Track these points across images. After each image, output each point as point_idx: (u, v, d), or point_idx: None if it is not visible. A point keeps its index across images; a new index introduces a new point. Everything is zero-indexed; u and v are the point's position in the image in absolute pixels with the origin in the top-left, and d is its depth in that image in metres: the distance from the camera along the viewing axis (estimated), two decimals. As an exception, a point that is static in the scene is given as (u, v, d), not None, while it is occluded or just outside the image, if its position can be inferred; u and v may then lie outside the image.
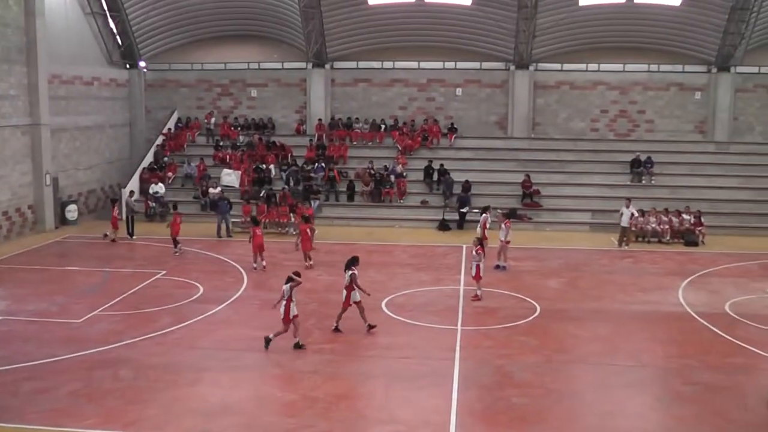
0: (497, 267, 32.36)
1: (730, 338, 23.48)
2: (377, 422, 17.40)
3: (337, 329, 23.87)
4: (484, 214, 35.01)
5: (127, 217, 39.69)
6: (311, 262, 32.17)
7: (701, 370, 20.78)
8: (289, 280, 22.50)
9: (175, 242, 35.84)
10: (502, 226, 33.44)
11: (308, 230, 33.07)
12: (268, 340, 22.28)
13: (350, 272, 23.83)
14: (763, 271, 32.70)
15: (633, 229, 38.71)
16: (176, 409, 17.84)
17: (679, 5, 46.56)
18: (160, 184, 45.39)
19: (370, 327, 23.82)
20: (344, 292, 23.91)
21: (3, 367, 20.52)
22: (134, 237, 39.06)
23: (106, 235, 38.93)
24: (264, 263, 31.75)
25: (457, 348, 22.42)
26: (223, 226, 39.69)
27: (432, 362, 21.20)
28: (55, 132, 42.16)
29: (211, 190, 44.84)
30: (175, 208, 38.84)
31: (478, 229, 33.97)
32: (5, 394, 18.64)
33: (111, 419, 17.25)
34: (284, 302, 22.24)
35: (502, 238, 32.99)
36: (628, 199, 38.61)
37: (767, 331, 24.32)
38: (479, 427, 17.22)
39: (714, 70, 49.19)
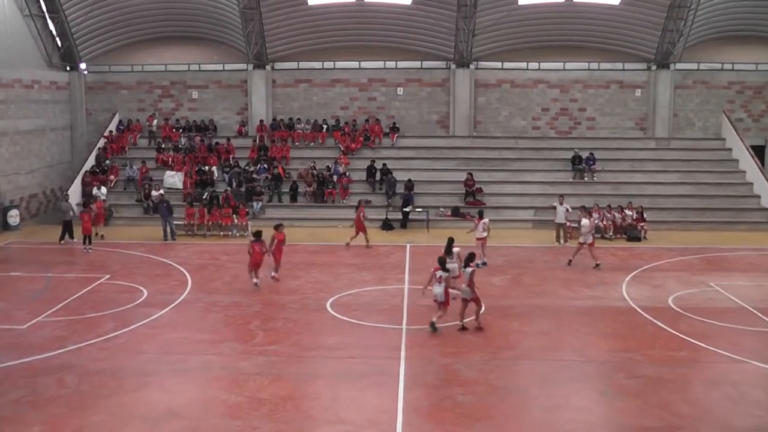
0: (484, 264, 32.44)
1: (673, 332, 23.85)
2: (324, 423, 17.40)
3: (464, 327, 24.12)
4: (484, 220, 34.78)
5: (64, 222, 39.30)
6: (277, 275, 30.47)
7: (645, 364, 21.06)
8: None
9: (86, 239, 36.90)
10: (477, 223, 33.83)
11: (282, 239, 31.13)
12: (433, 325, 23.63)
13: (470, 269, 24.01)
14: (704, 265, 33.25)
15: (575, 225, 39.12)
16: (122, 415, 17.70)
17: (618, 4, 47.22)
18: (103, 188, 44.95)
19: (479, 327, 24.16)
20: (467, 289, 24.02)
21: (-55, 375, 20.24)
22: (62, 241, 38.78)
23: (102, 236, 39.25)
24: (256, 280, 29.68)
25: (403, 347, 22.50)
26: (168, 230, 39.45)
27: (378, 361, 21.28)
28: (-6, 136, 41.62)
29: (153, 192, 44.55)
30: (85, 206, 39.78)
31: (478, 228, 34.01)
32: (-53, 403, 18.39)
33: (56, 427, 17.09)
34: (443, 285, 23.64)
35: (479, 236, 33.38)
36: (561, 196, 39.05)
37: (710, 324, 24.73)
38: (426, 426, 17.29)
39: (653, 67, 49.90)
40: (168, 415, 17.63)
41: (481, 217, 34.54)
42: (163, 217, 39.59)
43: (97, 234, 38.75)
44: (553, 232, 38.76)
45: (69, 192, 43.87)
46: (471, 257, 24.55)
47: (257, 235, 30.08)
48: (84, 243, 36.90)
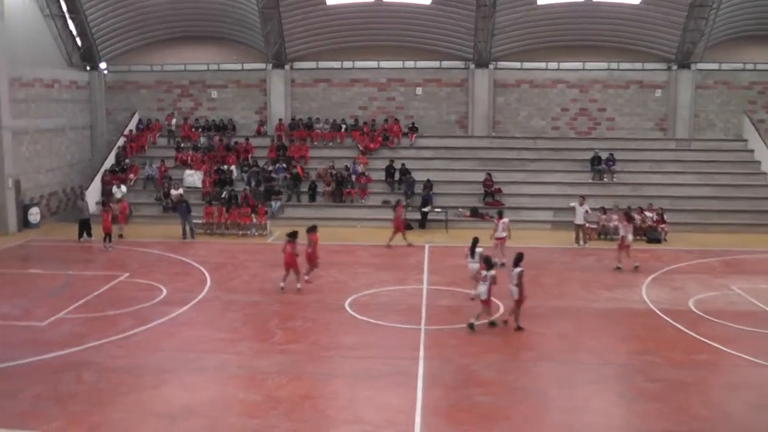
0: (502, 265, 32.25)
1: (694, 335, 23.64)
2: (342, 422, 17.36)
3: (519, 328, 24.05)
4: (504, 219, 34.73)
5: (80, 221, 39.41)
6: (310, 278, 30.19)
7: (665, 367, 20.90)
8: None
9: (107, 237, 36.87)
10: (497, 223, 33.90)
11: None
12: (471, 325, 23.82)
13: (519, 269, 23.97)
14: (725, 268, 33.03)
15: (594, 227, 39.05)
16: (140, 412, 17.74)
17: (638, 3, 46.96)
18: (122, 186, 45.13)
19: (504, 323, 24.35)
20: (515, 289, 23.98)
21: (-34, 371, 20.35)
22: (81, 240, 38.86)
23: (121, 236, 39.07)
24: (282, 284, 29.14)
25: (421, 347, 22.44)
26: (187, 229, 39.53)
27: (396, 362, 21.21)
28: (15, 135, 41.81)
29: (172, 191, 44.70)
30: (104, 204, 39.33)
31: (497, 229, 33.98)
32: (-32, 399, 18.49)
33: (75, 423, 17.13)
34: (488, 284, 23.70)
35: (498, 236, 33.36)
36: (582, 197, 38.86)
37: (731, 327, 24.50)
38: (444, 426, 17.23)
39: (674, 67, 49.66)
40: (186, 413, 17.65)
41: (500, 217, 34.49)
42: (182, 216, 39.66)
43: (119, 234, 38.81)
44: (572, 233, 38.57)
45: (88, 191, 44.14)
46: (520, 257, 24.43)
47: (292, 235, 29.23)
48: (104, 241, 36.96)
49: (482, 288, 23.99)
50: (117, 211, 39.35)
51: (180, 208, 40.02)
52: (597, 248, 37.37)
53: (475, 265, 26.79)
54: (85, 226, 39.07)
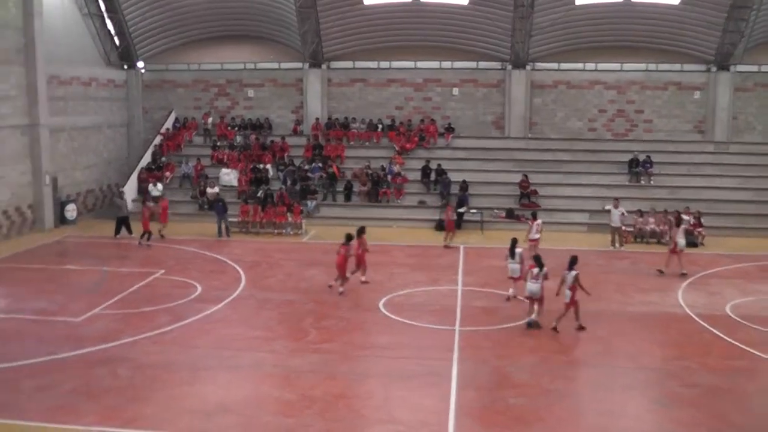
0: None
1: (730, 340, 23.37)
2: (375, 422, 17.39)
3: (555, 329, 24.07)
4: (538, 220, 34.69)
5: (118, 218, 39.55)
6: (365, 278, 29.90)
7: (701, 373, 20.69)
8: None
9: (144, 234, 36.89)
10: (531, 225, 33.87)
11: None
12: (530, 323, 24.10)
13: (574, 272, 24.04)
14: (763, 273, 32.62)
15: (630, 229, 38.76)
16: (174, 408, 17.88)
17: (677, 3, 46.50)
18: (159, 184, 45.39)
19: (581, 327, 24.17)
20: (568, 293, 24.02)
21: (4, 364, 20.54)
22: (118, 237, 39.01)
23: (162, 236, 38.77)
24: (342, 289, 28.56)
25: (455, 348, 22.40)
26: (223, 227, 39.66)
27: (430, 362, 21.18)
28: (53, 132, 42.19)
29: (208, 189, 44.90)
30: (144, 202, 39.78)
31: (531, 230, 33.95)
32: (6, 391, 18.70)
33: (110, 417, 17.28)
34: (539, 282, 24.21)
35: (532, 237, 33.29)
36: (617, 200, 38.58)
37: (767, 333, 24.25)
38: (477, 428, 17.20)
39: (713, 69, 49.18)
40: (220, 410, 17.72)
41: (534, 218, 34.38)
42: (218, 215, 39.79)
43: (160, 233, 38.73)
44: (608, 235, 38.32)
45: (125, 188, 44.40)
46: (575, 260, 24.47)
47: (349, 237, 29.11)
48: (141, 237, 37.10)
49: (535, 287, 24.17)
50: (158, 209, 39.36)
51: (216, 207, 40.15)
52: (633, 251, 37.11)
53: (515, 266, 26.96)
54: (123, 224, 39.21)
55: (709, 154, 48.19)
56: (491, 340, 23.25)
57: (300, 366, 20.82)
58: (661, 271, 32.03)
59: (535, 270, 24.21)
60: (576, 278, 23.94)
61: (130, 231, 38.99)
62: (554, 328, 23.94)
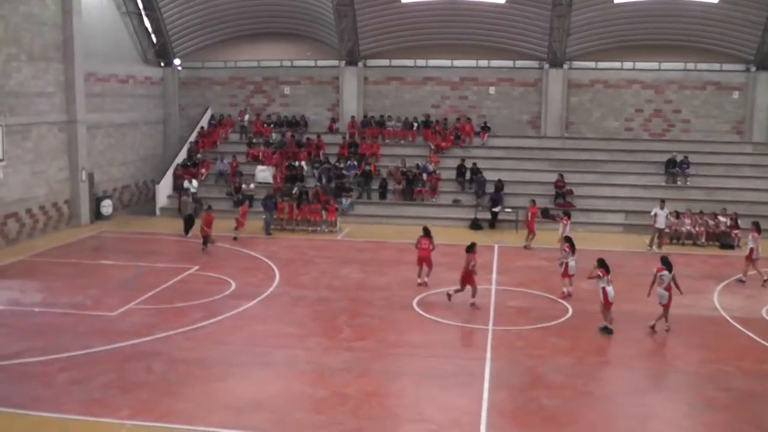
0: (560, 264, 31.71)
1: (766, 344, 23.16)
2: (407, 420, 17.38)
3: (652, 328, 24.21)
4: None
5: (185, 216, 39.63)
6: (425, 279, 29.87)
7: (736, 376, 20.52)
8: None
9: (205, 241, 35.57)
10: (562, 223, 33.87)
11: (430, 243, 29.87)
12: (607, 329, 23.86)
13: (672, 273, 24.12)
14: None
15: (667, 231, 38.44)
16: (207, 403, 17.97)
17: (717, 2, 46.03)
18: (194, 181, 45.59)
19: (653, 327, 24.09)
20: (664, 293, 24.05)
21: (39, 357, 20.75)
22: (189, 235, 38.74)
23: (235, 238, 38.14)
24: (426, 279, 29.44)
25: (488, 348, 22.36)
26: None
27: (463, 362, 21.19)
28: (90, 129, 42.54)
29: (244, 186, 45.07)
30: (209, 207, 38.32)
31: (563, 229, 33.86)
32: (41, 385, 18.85)
33: (143, 411, 17.40)
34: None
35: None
36: (663, 201, 38.25)
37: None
38: (510, 428, 17.17)
39: (753, 68, 48.60)
40: (253, 406, 17.79)
41: (568, 217, 34.23)
42: (268, 211, 39.91)
43: (234, 236, 38.35)
44: (645, 237, 37.99)
45: (160, 185, 44.85)
46: (667, 261, 24.40)
47: (427, 231, 29.84)
48: (204, 245, 35.65)
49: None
50: (238, 214, 39.05)
51: (268, 203, 40.14)
52: (668, 252, 36.62)
53: (574, 263, 27.47)
54: (190, 222, 39.14)
55: (747, 155, 47.64)
56: (525, 340, 23.17)
57: (333, 363, 20.85)
58: (741, 281, 31.05)
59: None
60: (673, 278, 23.85)
61: (187, 231, 38.99)
62: (667, 329, 23.95)
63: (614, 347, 22.99)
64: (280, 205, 41.08)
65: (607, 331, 23.65)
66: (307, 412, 17.64)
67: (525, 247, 37.09)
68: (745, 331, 24.41)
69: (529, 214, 37.91)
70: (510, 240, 38.96)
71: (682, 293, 24.47)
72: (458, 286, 27.06)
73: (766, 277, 30.53)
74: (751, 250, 31.04)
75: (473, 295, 26.93)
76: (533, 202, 38.78)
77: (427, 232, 29.79)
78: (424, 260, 29.41)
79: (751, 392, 19.40)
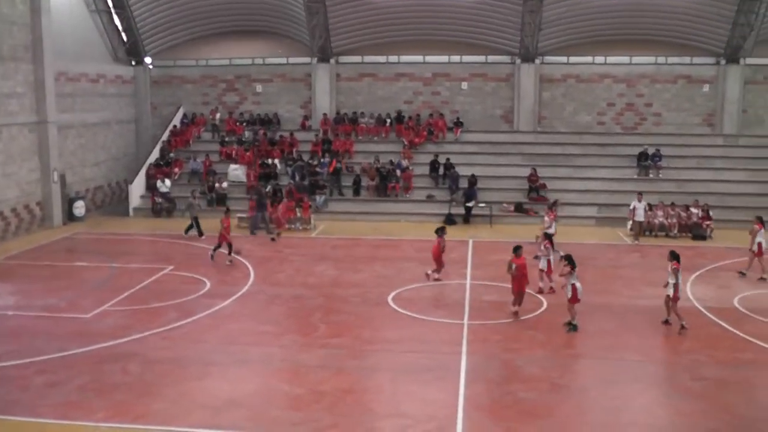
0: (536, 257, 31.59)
1: (738, 333, 23.35)
2: (384, 416, 17.40)
3: (667, 322, 24.03)
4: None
5: (193, 219, 38.77)
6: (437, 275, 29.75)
7: (709, 366, 20.68)
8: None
9: (230, 248, 32.70)
10: (546, 218, 33.76)
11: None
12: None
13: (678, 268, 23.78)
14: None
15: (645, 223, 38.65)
16: (184, 403, 17.90)
17: (687, -4, 46.46)
18: (167, 180, 45.41)
19: (683, 327, 23.51)
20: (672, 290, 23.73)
21: (14, 361, 20.57)
22: (203, 236, 37.96)
23: (274, 238, 37.78)
24: (437, 275, 29.50)
25: (464, 342, 22.39)
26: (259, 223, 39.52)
27: (439, 356, 21.19)
28: (61, 129, 42.25)
29: (217, 185, 44.96)
30: (227, 211, 35.04)
31: (550, 224, 33.70)
32: (17, 388, 18.72)
33: (120, 413, 17.31)
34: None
35: (546, 229, 33.06)
36: (640, 194, 38.52)
37: (776, 325, 24.18)
38: (486, 421, 17.19)
39: (723, 62, 49.07)
40: (230, 405, 17.74)
41: (552, 210, 34.20)
42: (259, 209, 39.69)
43: (272, 237, 37.94)
44: (617, 229, 38.19)
45: (132, 185, 44.73)
46: (676, 256, 23.99)
47: (441, 230, 29.90)
48: (228, 253, 32.70)
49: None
50: (278, 212, 38.73)
51: (261, 202, 39.91)
52: (642, 245, 37.04)
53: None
54: (197, 224, 38.40)
55: (718, 147, 48.17)
56: (500, 334, 23.24)
57: (309, 361, 20.84)
58: (763, 279, 30.42)
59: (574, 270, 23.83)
60: (677, 273, 23.63)
61: (188, 231, 38.51)
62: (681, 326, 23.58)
63: (589, 339, 23.08)
64: (253, 204, 40.86)
65: (572, 327, 23.65)
66: (284, 410, 17.62)
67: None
68: (717, 321, 24.59)
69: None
70: (484, 235, 39.06)
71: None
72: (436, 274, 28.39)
73: (764, 275, 30.44)
74: (759, 244, 30.42)
75: (436, 270, 29.28)
76: (555, 201, 38.52)
77: (442, 231, 29.77)
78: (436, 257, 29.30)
79: (725, 381, 19.57)
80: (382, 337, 23.23)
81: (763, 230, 30.45)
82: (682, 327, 23.29)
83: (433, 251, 29.35)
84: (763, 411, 17.91)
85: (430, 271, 29.27)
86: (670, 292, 23.46)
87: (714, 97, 49.43)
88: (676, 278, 23.39)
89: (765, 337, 22.90)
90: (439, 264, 29.40)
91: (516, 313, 24.87)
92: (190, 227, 38.49)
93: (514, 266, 25.03)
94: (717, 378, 19.76)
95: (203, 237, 37.85)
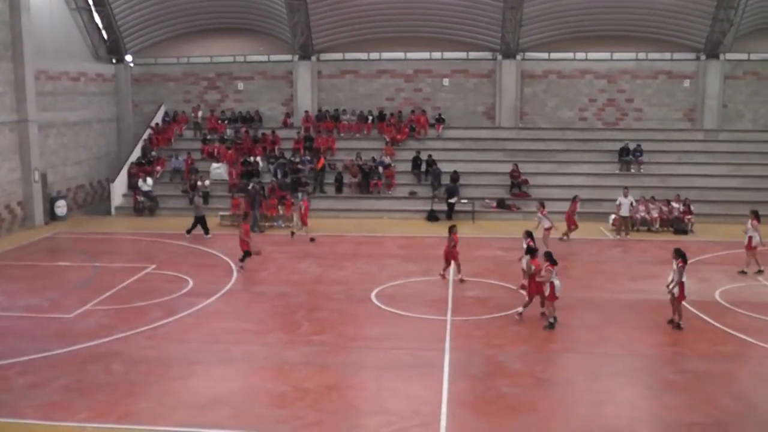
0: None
1: (720, 326, 23.46)
2: (368, 413, 17.36)
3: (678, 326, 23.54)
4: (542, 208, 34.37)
5: (197, 218, 38.23)
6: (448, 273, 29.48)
7: (691, 359, 20.79)
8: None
9: (245, 255, 31.04)
10: (539, 215, 33.72)
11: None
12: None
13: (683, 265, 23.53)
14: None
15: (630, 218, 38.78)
16: (168, 402, 17.83)
17: (667, -8, 46.60)
18: (149, 179, 45.25)
19: (679, 326, 23.36)
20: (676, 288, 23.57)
21: (-5, 362, 20.51)
22: (209, 235, 37.73)
23: (313, 238, 36.97)
24: (461, 276, 28.88)
25: (447, 338, 22.41)
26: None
27: (422, 353, 21.18)
28: (42, 128, 42.06)
29: (199, 183, 44.84)
30: (245, 216, 34.65)
31: (544, 221, 33.66)
32: (-1, 389, 18.66)
33: (103, 413, 17.23)
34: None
35: (546, 227, 33.11)
36: (626, 189, 38.68)
37: (757, 319, 24.35)
38: (470, 417, 17.20)
39: (703, 57, 49.28)
40: (213, 403, 17.70)
41: (543, 207, 34.07)
42: (253, 207, 39.58)
43: (298, 233, 37.30)
44: (600, 224, 38.28)
45: (114, 183, 44.52)
46: (682, 254, 23.67)
47: (453, 228, 28.97)
48: (240, 260, 31.04)
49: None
50: (301, 210, 37.59)
51: (256, 198, 39.88)
52: (623, 239, 37.17)
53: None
54: (202, 223, 38.01)
55: (698, 142, 48.45)
56: (483, 330, 23.24)
57: (292, 358, 20.80)
58: (761, 271, 30.50)
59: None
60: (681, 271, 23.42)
61: (207, 231, 37.91)
62: (678, 325, 23.49)
63: (572, 334, 23.12)
64: (235, 201, 40.71)
65: (550, 325, 23.57)
66: (268, 407, 17.58)
67: (561, 239, 36.43)
68: (699, 314, 24.67)
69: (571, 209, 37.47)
70: (467, 231, 39.04)
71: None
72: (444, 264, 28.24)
73: (761, 267, 30.48)
74: (750, 238, 30.53)
75: (458, 272, 28.33)
76: (576, 197, 38.47)
77: (453, 229, 28.93)
78: (452, 256, 28.74)
79: (708, 374, 19.63)
80: (366, 333, 23.19)
81: (757, 224, 30.59)
82: (678, 326, 23.29)
83: (451, 253, 28.57)
84: (744, 403, 17.93)
85: (461, 276, 28.70)
86: (676, 291, 23.36)
87: (694, 92, 49.63)
88: (681, 277, 23.25)
89: (746, 330, 23.06)
90: (458, 262, 28.77)
91: (520, 314, 24.42)
92: (205, 228, 38.04)
93: (533, 268, 24.58)
94: (699, 371, 19.82)
95: (209, 236, 37.65)
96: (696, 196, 41.81)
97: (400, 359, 20.71)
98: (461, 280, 28.49)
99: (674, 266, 23.47)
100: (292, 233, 37.87)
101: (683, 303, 23.68)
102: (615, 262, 32.74)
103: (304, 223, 37.31)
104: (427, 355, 20.94)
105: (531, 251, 25.25)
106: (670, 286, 23.52)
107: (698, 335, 22.78)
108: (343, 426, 16.77)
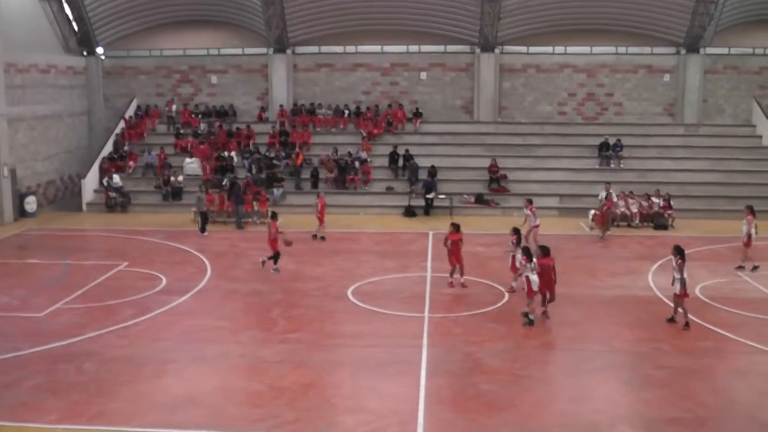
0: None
1: (700, 322, 23.35)
2: (345, 411, 17.18)
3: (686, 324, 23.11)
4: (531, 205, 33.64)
5: (200, 214, 37.73)
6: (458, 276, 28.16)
7: (671, 354, 20.74)
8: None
9: (275, 258, 30.10)
10: (528, 211, 33.15)
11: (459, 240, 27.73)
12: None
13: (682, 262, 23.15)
14: (733, 254, 32.35)
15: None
16: (141, 402, 17.55)
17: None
18: (115, 176, 44.48)
19: (686, 324, 22.93)
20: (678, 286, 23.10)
21: (-36, 362, 20.09)
22: (205, 234, 37.09)
23: (324, 237, 35.99)
24: (462, 279, 27.69)
25: (425, 335, 22.23)
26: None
27: (399, 350, 21.00)
28: (11, 122, 41.44)
29: (172, 179, 44.33)
30: (274, 215, 31.78)
31: (530, 217, 33.12)
32: (-33, 390, 18.25)
33: (75, 413, 16.96)
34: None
35: (533, 224, 32.65)
36: (608, 184, 38.55)
37: (737, 314, 24.33)
38: (448, 414, 17.04)
39: (683, 51, 49.19)
40: (187, 403, 17.45)
41: (531, 203, 33.52)
42: (236, 203, 38.99)
43: (315, 236, 36.02)
44: (579, 219, 38.13)
45: (86, 179, 43.96)
46: (681, 251, 23.24)
47: (455, 227, 27.71)
48: (273, 261, 30.09)
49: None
50: (317, 208, 36.31)
51: (239, 194, 39.17)
52: (609, 235, 37.04)
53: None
54: (205, 219, 37.59)
55: (679, 136, 48.46)
56: (461, 327, 23.10)
57: (268, 356, 20.59)
58: (756, 267, 30.07)
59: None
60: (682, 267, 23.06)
61: (202, 228, 37.37)
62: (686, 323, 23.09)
63: (551, 330, 23.06)
64: (209, 197, 40.10)
65: (529, 321, 23.26)
66: (243, 406, 17.35)
67: (601, 237, 36.20)
68: (679, 310, 24.46)
69: (605, 207, 37.09)
70: (444, 226, 38.69)
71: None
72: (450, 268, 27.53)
73: (757, 264, 30.16)
74: (748, 234, 30.12)
75: (461, 274, 27.47)
76: (609, 193, 38.10)
77: (456, 228, 27.81)
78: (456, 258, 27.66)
79: (687, 369, 19.64)
80: (343, 331, 23.00)
81: (752, 219, 30.35)
82: (686, 324, 22.97)
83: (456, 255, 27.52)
84: (724, 399, 17.96)
85: (462, 279, 27.72)
86: (678, 288, 23.04)
87: (674, 86, 49.55)
88: (682, 274, 22.91)
89: (726, 326, 23.08)
90: (461, 263, 27.57)
91: (545, 313, 24.07)
92: (203, 226, 37.43)
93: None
94: (679, 366, 19.82)
95: (205, 234, 37.11)
96: (676, 191, 41.72)
97: (377, 357, 20.52)
98: (463, 285, 27.50)
99: (674, 264, 23.24)
100: (314, 236, 36.11)
101: (683, 300, 23.21)
102: (595, 257, 32.62)
103: (321, 222, 36.19)
104: (405, 353, 20.75)
105: (527, 252, 24.46)
106: (672, 284, 23.31)
107: (678, 331, 22.73)
108: (321, 424, 16.53)
